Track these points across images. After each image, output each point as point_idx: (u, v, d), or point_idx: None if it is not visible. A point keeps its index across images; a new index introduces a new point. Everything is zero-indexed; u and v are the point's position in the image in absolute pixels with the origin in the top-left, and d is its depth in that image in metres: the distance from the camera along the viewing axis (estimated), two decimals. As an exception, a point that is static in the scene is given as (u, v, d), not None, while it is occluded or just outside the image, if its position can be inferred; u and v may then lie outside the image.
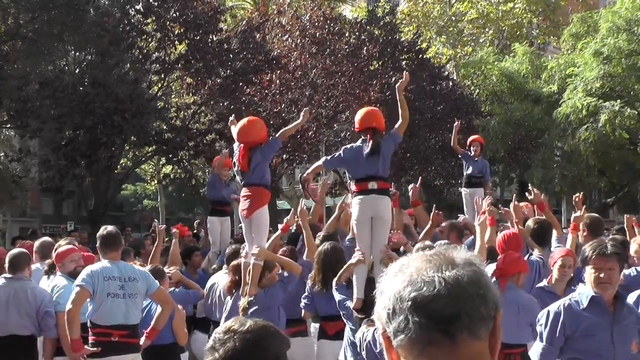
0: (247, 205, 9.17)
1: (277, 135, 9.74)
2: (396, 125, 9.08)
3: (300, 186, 9.51)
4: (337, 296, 7.89)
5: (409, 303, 1.82)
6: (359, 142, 8.99)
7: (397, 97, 9.12)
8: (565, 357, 5.53)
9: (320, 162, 9.58)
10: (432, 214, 10.52)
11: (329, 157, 9.50)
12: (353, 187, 8.94)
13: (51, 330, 8.22)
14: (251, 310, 8.33)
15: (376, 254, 8.36)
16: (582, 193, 10.10)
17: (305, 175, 9.39)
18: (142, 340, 7.92)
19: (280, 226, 10.22)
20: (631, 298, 6.11)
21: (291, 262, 8.78)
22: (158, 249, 10.50)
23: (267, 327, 3.19)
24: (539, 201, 10.24)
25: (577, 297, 5.57)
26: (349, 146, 9.17)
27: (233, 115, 10.56)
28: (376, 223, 8.68)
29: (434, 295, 1.81)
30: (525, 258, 8.52)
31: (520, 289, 7.39)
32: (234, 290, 9.00)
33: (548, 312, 5.60)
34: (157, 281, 8.10)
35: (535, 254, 8.63)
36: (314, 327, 9.43)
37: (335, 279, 7.97)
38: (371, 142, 8.71)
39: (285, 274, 8.74)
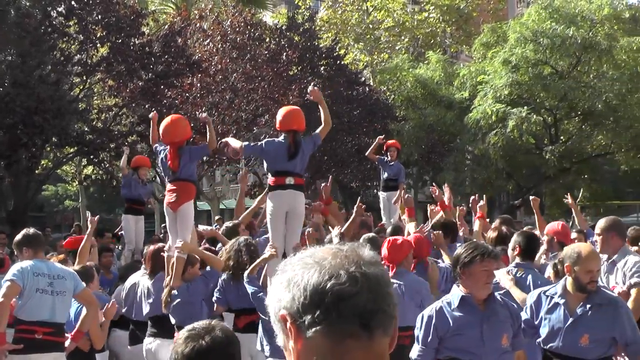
0: (175, 199, 9.11)
1: (207, 142, 9.64)
2: (319, 128, 9.16)
3: (220, 147, 9.52)
4: (250, 288, 7.89)
5: (332, 296, 1.83)
6: (280, 138, 9.07)
7: (320, 105, 9.21)
8: (441, 356, 5.62)
9: (241, 145, 9.55)
10: (356, 205, 10.70)
11: (250, 144, 9.53)
12: (270, 180, 9.00)
13: None
14: (174, 303, 8.32)
15: (289, 248, 8.41)
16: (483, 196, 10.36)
17: (223, 142, 9.41)
18: (67, 342, 7.78)
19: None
20: (531, 297, 6.20)
21: (214, 258, 8.74)
22: (87, 245, 10.18)
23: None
24: (441, 200, 10.46)
25: (449, 299, 5.66)
26: (271, 139, 9.24)
27: (154, 112, 10.43)
28: (290, 217, 8.77)
29: (357, 290, 1.84)
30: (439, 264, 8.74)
31: (410, 272, 7.58)
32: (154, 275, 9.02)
33: (422, 315, 5.70)
34: (83, 282, 7.99)
35: (446, 263, 8.73)
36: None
37: (246, 272, 8.00)
38: (292, 146, 8.81)
39: (208, 269, 8.74)
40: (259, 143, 9.34)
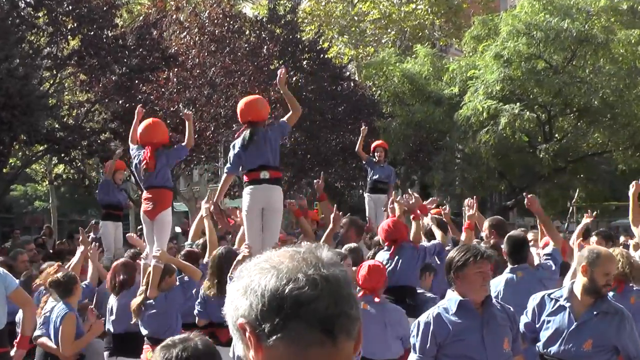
0: (151, 207, 9.17)
1: (184, 143, 9.76)
2: (286, 116, 9.18)
3: (213, 209, 9.57)
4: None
5: (291, 302, 1.81)
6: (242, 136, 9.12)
7: (282, 92, 9.30)
8: None
9: (225, 175, 9.63)
10: (332, 215, 10.00)
11: (229, 163, 9.55)
12: (245, 178, 9.00)
13: None
14: (149, 313, 8.29)
15: (266, 243, 8.30)
16: (474, 197, 10.29)
17: (215, 199, 9.48)
18: (13, 351, 7.67)
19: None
20: (534, 300, 6.26)
21: (191, 267, 8.70)
22: (81, 260, 10.06)
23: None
24: (420, 204, 10.38)
25: (445, 304, 5.71)
26: (236, 142, 9.24)
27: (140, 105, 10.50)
28: (267, 214, 8.71)
29: (317, 294, 1.82)
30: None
31: (387, 301, 7.40)
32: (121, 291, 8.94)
33: (419, 323, 5.71)
34: (16, 281, 7.98)
35: (436, 240, 8.85)
36: None
37: (228, 275, 7.98)
38: (248, 136, 8.81)
39: (186, 278, 8.73)
40: (231, 154, 9.33)
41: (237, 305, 1.89)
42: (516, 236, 8.23)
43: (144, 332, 8.30)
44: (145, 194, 9.41)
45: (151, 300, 8.34)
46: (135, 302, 8.39)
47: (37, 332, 8.21)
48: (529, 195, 8.63)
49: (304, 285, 1.82)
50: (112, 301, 8.96)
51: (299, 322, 1.81)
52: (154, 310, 8.28)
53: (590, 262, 5.89)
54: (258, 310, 1.84)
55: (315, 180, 12.07)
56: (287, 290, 1.82)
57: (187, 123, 9.74)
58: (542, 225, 8.92)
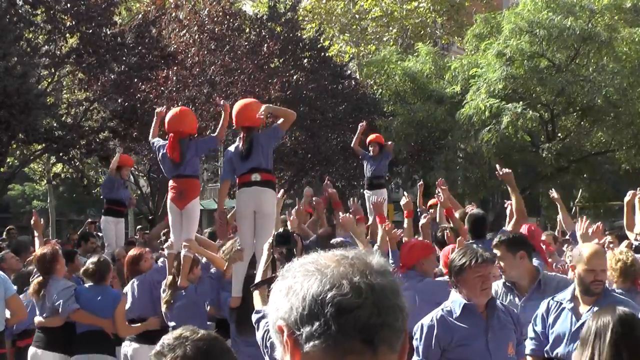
0: (181, 196, 9.24)
1: (215, 134, 9.81)
2: (279, 121, 9.19)
3: (217, 219, 9.67)
4: (223, 294, 8.02)
5: (333, 308, 1.77)
6: (237, 141, 9.16)
7: (271, 112, 9.46)
8: None
9: (223, 181, 9.77)
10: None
11: (224, 171, 9.64)
12: (237, 181, 9.07)
13: None
14: (178, 304, 8.40)
15: (259, 251, 8.36)
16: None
17: (219, 208, 9.58)
18: None
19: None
20: (540, 308, 6.10)
21: (218, 258, 8.83)
22: (41, 243, 10.04)
23: (219, 339, 3.14)
24: (447, 207, 10.25)
25: (449, 307, 5.66)
26: (230, 147, 9.30)
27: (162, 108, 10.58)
28: (259, 217, 8.71)
29: (361, 302, 1.78)
30: None
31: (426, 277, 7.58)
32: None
33: (422, 325, 5.64)
34: (14, 287, 8.05)
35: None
36: None
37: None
38: (245, 144, 8.83)
39: (212, 270, 8.82)
40: (225, 161, 9.46)
41: (278, 306, 1.87)
42: (476, 214, 9.03)
43: (172, 323, 8.31)
44: (172, 183, 9.44)
45: (182, 291, 8.46)
46: (166, 295, 8.51)
47: (71, 306, 8.15)
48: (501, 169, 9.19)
49: (347, 292, 1.79)
50: (128, 288, 9.10)
51: (338, 330, 1.77)
52: (185, 301, 8.40)
53: (576, 261, 5.87)
54: (298, 313, 1.81)
55: (331, 191, 11.96)
56: (329, 296, 1.79)
57: (223, 114, 9.75)
58: (514, 197, 9.10)
